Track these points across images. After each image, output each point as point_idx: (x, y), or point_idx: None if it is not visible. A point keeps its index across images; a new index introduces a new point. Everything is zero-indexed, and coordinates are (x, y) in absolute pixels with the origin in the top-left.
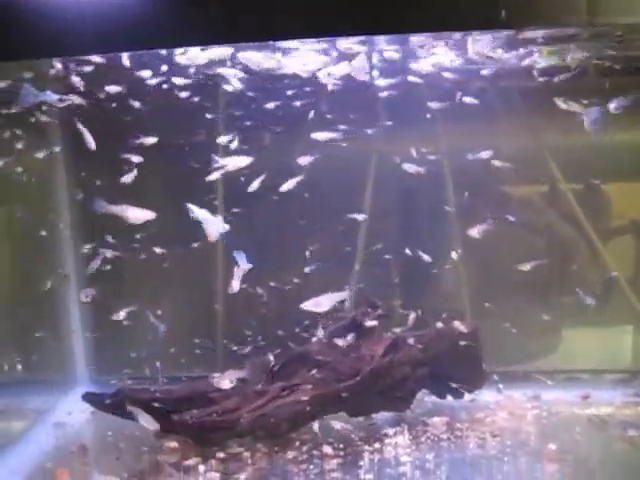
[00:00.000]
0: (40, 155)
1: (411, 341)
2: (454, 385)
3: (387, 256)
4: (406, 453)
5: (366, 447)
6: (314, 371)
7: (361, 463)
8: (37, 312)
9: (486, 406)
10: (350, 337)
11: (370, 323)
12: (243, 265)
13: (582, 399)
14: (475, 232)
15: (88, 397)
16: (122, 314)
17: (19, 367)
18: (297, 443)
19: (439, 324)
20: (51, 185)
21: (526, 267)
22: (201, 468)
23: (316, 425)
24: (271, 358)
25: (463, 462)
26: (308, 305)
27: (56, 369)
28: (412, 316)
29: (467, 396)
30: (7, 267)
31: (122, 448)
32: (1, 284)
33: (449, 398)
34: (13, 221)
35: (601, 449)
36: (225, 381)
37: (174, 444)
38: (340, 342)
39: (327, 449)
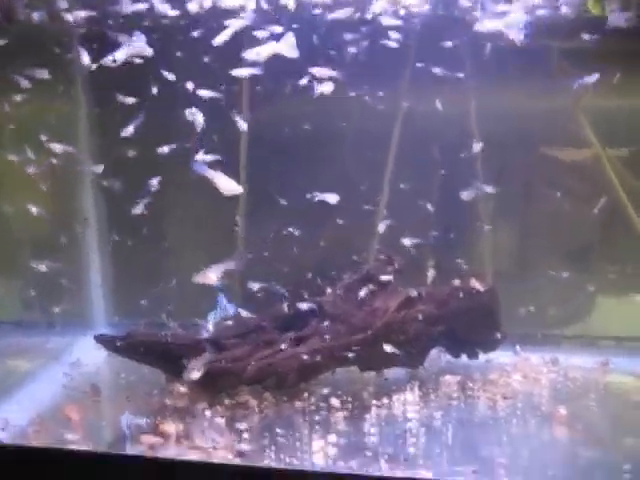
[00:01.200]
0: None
1: (426, 297)
2: (469, 344)
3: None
4: (414, 410)
5: (374, 401)
6: (325, 323)
7: (367, 417)
8: (60, 256)
9: (501, 367)
10: (364, 290)
11: (385, 277)
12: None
13: (601, 365)
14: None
15: (99, 338)
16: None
17: (41, 308)
18: (305, 394)
19: (456, 281)
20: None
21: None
22: (207, 413)
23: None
24: (285, 307)
25: (470, 422)
26: (198, 278)
27: (76, 311)
28: (431, 273)
29: (483, 356)
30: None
31: (133, 389)
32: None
33: (464, 357)
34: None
35: (613, 417)
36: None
37: (183, 388)
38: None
39: (334, 401)
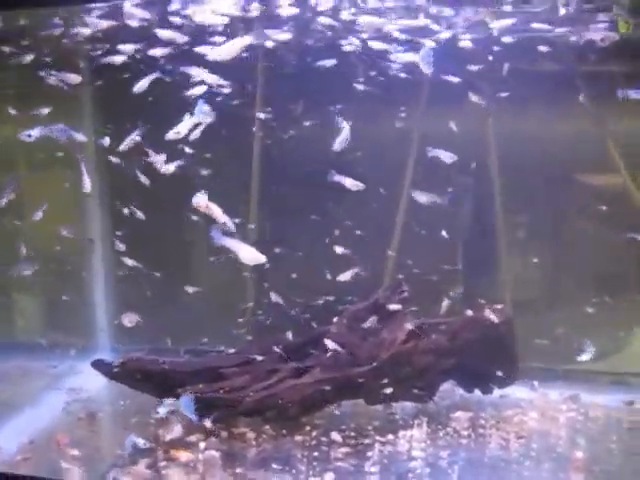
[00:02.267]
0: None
1: (437, 328)
2: (483, 378)
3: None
4: (419, 448)
5: (378, 437)
6: (329, 354)
7: (369, 454)
8: (64, 280)
9: (517, 404)
10: (371, 320)
11: (393, 306)
12: None
13: (626, 405)
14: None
15: (97, 364)
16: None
17: (44, 332)
18: (307, 428)
19: (469, 312)
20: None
21: None
22: (201, 445)
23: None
24: (289, 337)
25: (479, 463)
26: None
27: (79, 336)
28: (445, 303)
29: (498, 391)
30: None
31: (130, 417)
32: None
33: (478, 392)
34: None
35: (635, 461)
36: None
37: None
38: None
39: (336, 436)
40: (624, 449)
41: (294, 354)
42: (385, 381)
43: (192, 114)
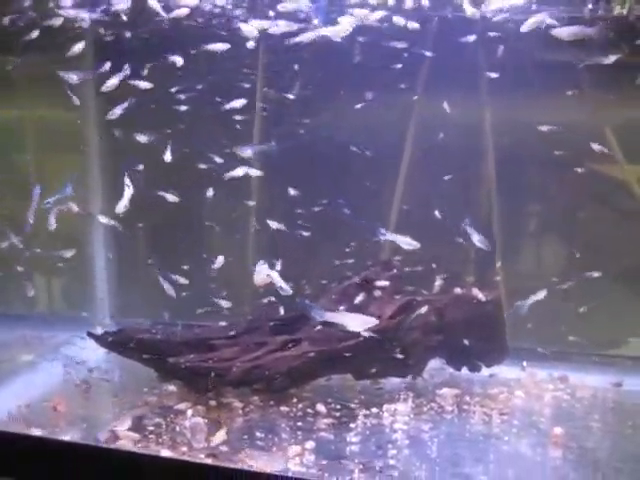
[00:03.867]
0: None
1: (425, 305)
2: (471, 356)
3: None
4: (402, 421)
5: (363, 410)
6: (318, 327)
7: (352, 425)
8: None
9: (505, 383)
10: (361, 296)
11: (381, 283)
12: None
13: (614, 386)
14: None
15: (92, 334)
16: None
17: (47, 303)
18: (294, 399)
19: (458, 290)
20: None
21: None
22: (189, 413)
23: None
24: (281, 310)
25: (458, 437)
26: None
27: (81, 307)
28: (438, 282)
29: (487, 370)
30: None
31: (124, 386)
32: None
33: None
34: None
35: (613, 439)
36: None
37: (172, 387)
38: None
39: (321, 407)
40: (604, 428)
41: (285, 328)
42: (372, 356)
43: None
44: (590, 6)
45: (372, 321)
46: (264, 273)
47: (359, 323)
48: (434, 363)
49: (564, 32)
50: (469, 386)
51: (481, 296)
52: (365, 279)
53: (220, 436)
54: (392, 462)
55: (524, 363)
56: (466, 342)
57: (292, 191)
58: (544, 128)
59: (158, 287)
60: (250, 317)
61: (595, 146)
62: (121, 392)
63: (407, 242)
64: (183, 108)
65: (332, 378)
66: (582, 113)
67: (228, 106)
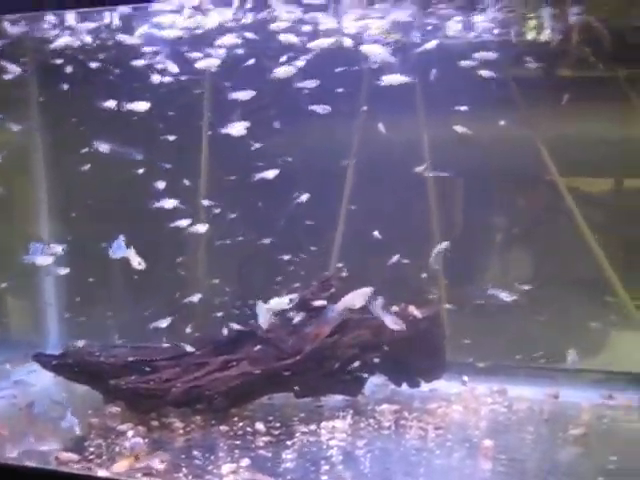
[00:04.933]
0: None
1: (363, 323)
2: (410, 372)
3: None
4: (338, 438)
5: (301, 428)
6: (257, 347)
7: (288, 443)
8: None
9: (445, 397)
10: (300, 315)
11: (318, 302)
12: None
13: (551, 398)
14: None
15: (37, 357)
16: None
17: None
18: (235, 418)
19: (395, 308)
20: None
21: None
22: (129, 433)
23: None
24: (224, 332)
25: (392, 452)
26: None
27: (30, 332)
28: (379, 301)
29: (428, 385)
30: None
31: (69, 409)
32: None
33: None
34: None
35: (544, 451)
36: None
37: (117, 409)
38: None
39: (260, 426)
40: (536, 439)
41: (226, 348)
42: (313, 374)
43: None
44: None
45: (368, 291)
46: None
47: (360, 299)
48: (377, 380)
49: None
50: (409, 402)
51: (417, 313)
52: (304, 299)
53: (159, 455)
54: (324, 478)
55: (465, 378)
56: (404, 359)
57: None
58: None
59: (109, 309)
60: (192, 339)
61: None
62: (66, 414)
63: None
64: None
65: (274, 397)
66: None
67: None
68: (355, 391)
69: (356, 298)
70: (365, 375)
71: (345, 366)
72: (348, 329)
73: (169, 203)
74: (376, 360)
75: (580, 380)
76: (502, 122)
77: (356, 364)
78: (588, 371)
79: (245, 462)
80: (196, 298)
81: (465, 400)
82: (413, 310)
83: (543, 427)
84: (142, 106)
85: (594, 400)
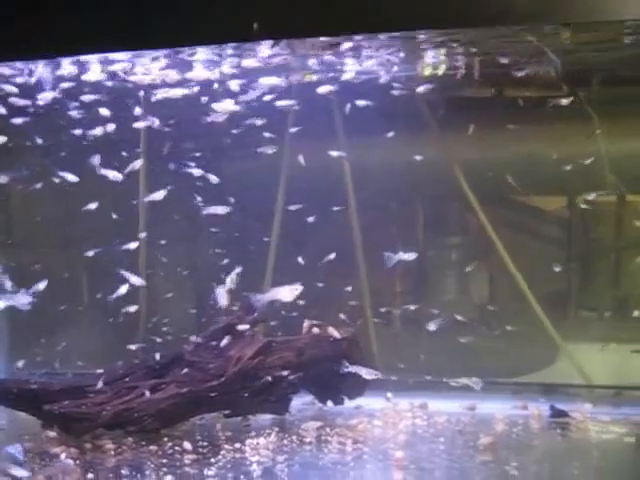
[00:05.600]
0: None
1: (285, 345)
2: (334, 391)
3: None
4: (261, 454)
5: (226, 446)
6: (184, 370)
7: (212, 460)
8: None
9: (368, 413)
10: (225, 339)
11: (242, 327)
12: None
13: (468, 410)
14: None
15: None
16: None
17: None
18: (165, 439)
19: (315, 330)
20: None
21: None
22: (62, 456)
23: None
24: (157, 356)
25: (309, 467)
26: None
27: None
28: (306, 324)
29: (353, 402)
30: None
31: (6, 434)
32: None
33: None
34: None
35: (454, 460)
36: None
37: (53, 433)
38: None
39: (187, 445)
40: (448, 450)
41: (156, 372)
42: (239, 395)
43: None
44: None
45: (298, 288)
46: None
47: (288, 294)
48: (306, 398)
49: None
50: (333, 418)
51: (336, 334)
52: (229, 324)
53: (89, 476)
54: None
55: (389, 394)
56: (327, 377)
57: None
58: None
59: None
60: (124, 364)
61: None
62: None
63: (288, 292)
64: None
65: (205, 417)
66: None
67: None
68: (281, 410)
69: (285, 292)
70: (290, 394)
71: (270, 386)
72: (271, 351)
73: None
74: (299, 380)
75: (497, 393)
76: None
77: (281, 384)
78: (503, 384)
79: (169, 479)
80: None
81: (387, 415)
82: (332, 331)
83: (456, 438)
84: None
85: (508, 411)
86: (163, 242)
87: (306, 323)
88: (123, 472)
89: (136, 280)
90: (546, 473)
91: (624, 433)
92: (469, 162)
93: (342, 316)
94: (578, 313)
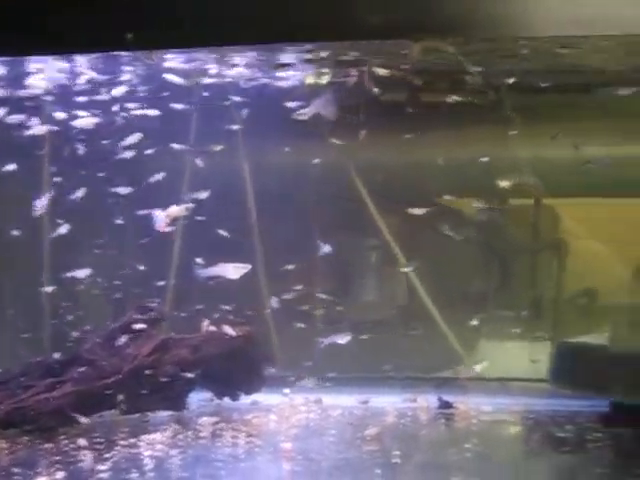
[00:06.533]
0: None
1: (181, 343)
2: (230, 387)
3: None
4: (155, 449)
5: (121, 442)
6: (81, 369)
7: (107, 455)
8: None
9: (265, 408)
10: (122, 338)
11: (139, 326)
12: None
13: (362, 404)
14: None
15: None
16: None
17: None
18: (62, 436)
19: (212, 327)
20: None
21: None
22: None
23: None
24: (56, 356)
25: (202, 460)
26: None
27: None
28: (205, 322)
29: (250, 398)
30: None
31: None
32: None
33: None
34: None
35: (341, 450)
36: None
37: None
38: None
39: (83, 442)
40: (337, 440)
41: (55, 371)
42: (136, 392)
43: None
44: None
45: (246, 266)
46: None
47: (234, 271)
48: (206, 395)
49: None
50: (230, 414)
51: (231, 332)
52: (126, 323)
53: None
54: None
55: (286, 390)
56: (224, 374)
57: None
58: None
59: None
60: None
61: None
62: None
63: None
64: None
65: (105, 415)
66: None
67: None
68: (179, 406)
69: (232, 269)
70: (187, 391)
71: (167, 383)
72: (167, 348)
73: None
74: (197, 376)
75: (390, 386)
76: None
77: (177, 381)
78: (395, 378)
79: (60, 475)
80: None
81: (282, 410)
82: (227, 329)
83: (347, 429)
84: None
85: (399, 404)
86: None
87: (205, 322)
88: (15, 470)
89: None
90: (426, 460)
91: (506, 421)
92: (367, 166)
93: (244, 313)
94: (495, 312)
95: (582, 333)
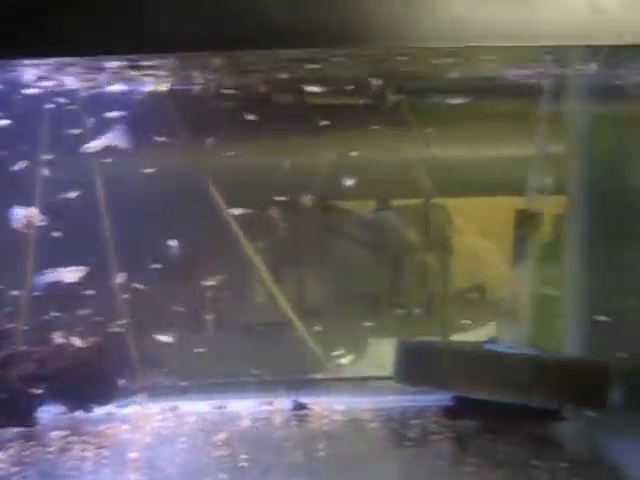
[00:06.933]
0: None
1: (28, 357)
2: (82, 399)
3: None
4: None
5: None
6: None
7: None
8: None
9: (120, 419)
10: None
11: None
12: None
13: (217, 409)
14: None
15: None
16: None
17: None
18: None
19: (60, 340)
20: None
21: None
22: None
23: None
24: None
25: (45, 473)
26: None
27: None
28: (55, 334)
29: (105, 409)
30: None
31: None
32: None
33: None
34: None
35: (189, 456)
36: None
37: None
38: None
39: None
40: (186, 447)
41: None
42: None
43: None
44: None
45: (82, 269)
46: None
47: (71, 275)
48: (59, 408)
49: None
50: (84, 426)
51: (79, 344)
52: None
53: None
54: None
55: (138, 399)
56: (73, 387)
57: None
58: None
59: None
60: None
61: None
62: None
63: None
64: None
65: None
66: None
67: None
68: (27, 422)
69: (69, 273)
70: (35, 406)
71: (13, 399)
72: (12, 363)
73: None
74: (46, 390)
75: (247, 391)
76: None
77: (24, 396)
78: (251, 383)
79: None
80: None
81: (136, 420)
82: (75, 340)
83: (197, 435)
84: None
85: (256, 407)
86: None
87: (54, 334)
88: None
89: None
90: (272, 462)
91: (357, 420)
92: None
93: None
94: (388, 311)
95: (470, 329)
